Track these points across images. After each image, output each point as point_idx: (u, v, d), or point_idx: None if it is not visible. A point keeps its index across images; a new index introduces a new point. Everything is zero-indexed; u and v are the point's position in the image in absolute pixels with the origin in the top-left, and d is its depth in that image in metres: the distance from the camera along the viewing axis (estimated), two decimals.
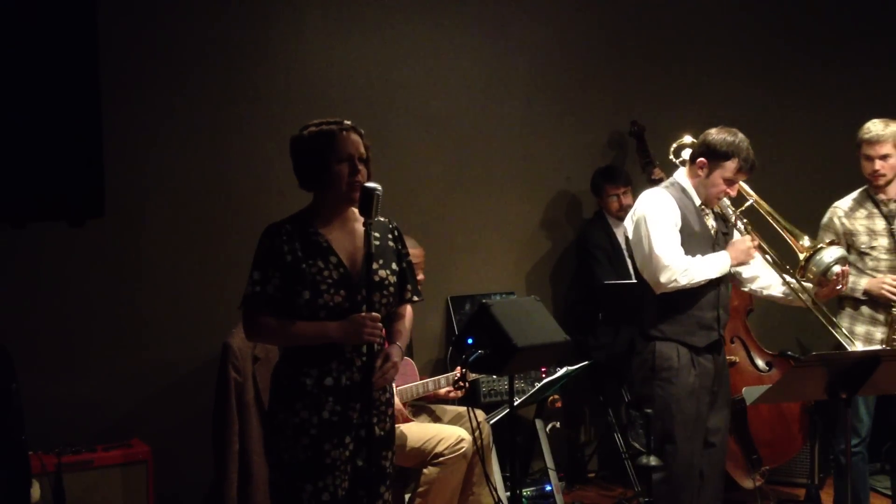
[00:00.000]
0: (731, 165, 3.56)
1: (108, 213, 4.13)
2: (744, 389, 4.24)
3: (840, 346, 4.12)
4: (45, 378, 4.09)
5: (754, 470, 4.67)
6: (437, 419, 4.41)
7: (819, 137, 6.04)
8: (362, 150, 2.89)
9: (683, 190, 3.69)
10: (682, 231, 3.63)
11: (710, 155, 3.60)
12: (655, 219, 3.60)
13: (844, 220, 4.11)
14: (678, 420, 3.62)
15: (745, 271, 3.84)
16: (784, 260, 3.73)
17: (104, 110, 2.51)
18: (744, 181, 3.70)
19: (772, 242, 3.76)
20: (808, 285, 3.63)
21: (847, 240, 4.12)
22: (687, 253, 3.61)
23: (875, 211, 4.11)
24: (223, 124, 4.62)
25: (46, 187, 2.44)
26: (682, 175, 3.74)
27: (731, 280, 3.83)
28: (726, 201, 3.67)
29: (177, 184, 4.52)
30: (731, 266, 3.66)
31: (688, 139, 3.97)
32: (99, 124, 2.48)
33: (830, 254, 3.52)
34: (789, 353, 4.83)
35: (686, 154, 3.87)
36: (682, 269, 3.54)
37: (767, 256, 3.69)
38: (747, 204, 3.72)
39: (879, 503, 4.61)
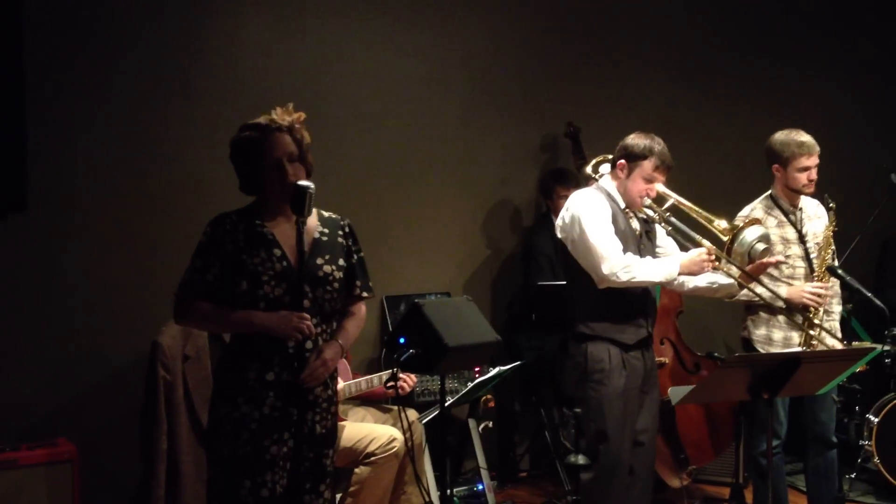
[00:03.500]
0: (648, 165, 3.72)
1: (32, 208, 4.08)
2: (669, 390, 4.30)
3: (747, 349, 4.22)
4: None
5: (681, 469, 4.76)
6: (374, 418, 4.42)
7: (751, 140, 6.17)
8: (293, 148, 2.88)
9: (609, 194, 3.80)
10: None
11: (629, 157, 3.76)
12: (590, 214, 3.68)
13: None
14: (610, 420, 3.68)
15: None
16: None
17: (29, 104, 2.47)
18: (662, 184, 3.77)
19: (696, 231, 3.82)
20: (735, 272, 3.68)
21: None
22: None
23: (784, 219, 4.21)
24: (155, 119, 4.55)
25: None
26: (606, 180, 3.88)
27: None
28: (648, 201, 3.75)
29: (106, 179, 4.44)
30: (679, 274, 3.71)
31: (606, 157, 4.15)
32: (23, 118, 2.44)
33: (752, 232, 3.60)
34: (716, 354, 4.93)
35: (604, 169, 4.04)
36: (623, 264, 3.61)
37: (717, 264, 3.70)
38: (668, 204, 3.80)
39: (797, 500, 4.74)
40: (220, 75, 4.72)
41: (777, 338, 4.17)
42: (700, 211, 3.70)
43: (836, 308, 4.26)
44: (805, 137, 4.14)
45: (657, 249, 3.89)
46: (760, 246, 3.57)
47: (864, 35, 6.53)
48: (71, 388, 4.35)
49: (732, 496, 4.95)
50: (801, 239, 4.16)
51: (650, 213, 3.76)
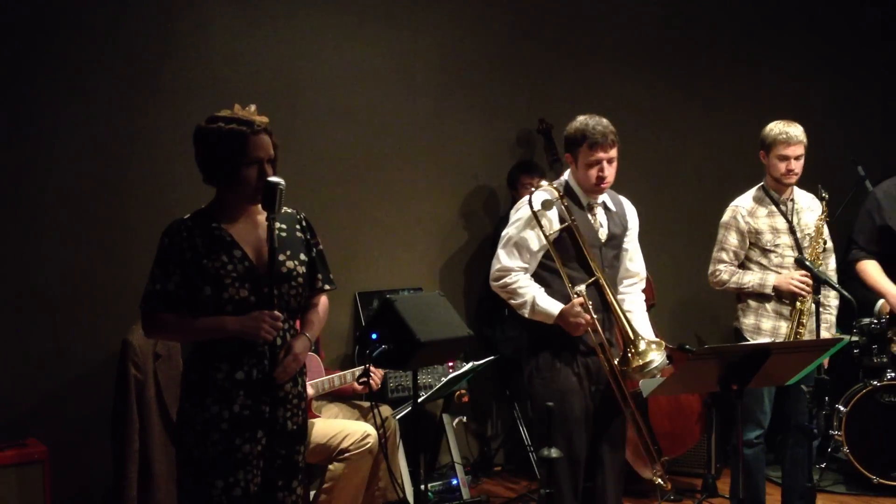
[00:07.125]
0: (585, 148, 3.54)
1: (2, 205, 4.03)
2: (640, 382, 4.33)
3: (738, 339, 4.27)
4: None
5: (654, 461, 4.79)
6: (347, 414, 4.42)
7: (723, 136, 6.23)
8: (271, 151, 2.87)
9: (570, 189, 3.65)
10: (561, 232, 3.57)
11: (568, 147, 3.62)
12: (518, 223, 3.60)
13: (749, 220, 4.25)
14: (559, 417, 3.55)
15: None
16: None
17: None
18: (612, 159, 3.58)
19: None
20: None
21: (751, 238, 4.27)
22: (565, 256, 3.56)
23: (774, 209, 4.27)
24: (126, 116, 4.52)
25: None
26: (568, 173, 3.73)
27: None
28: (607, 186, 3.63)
29: (75, 175, 4.41)
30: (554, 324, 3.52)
31: None
32: None
33: (659, 359, 3.46)
34: (687, 346, 4.97)
35: None
36: (512, 282, 3.56)
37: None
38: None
39: (770, 491, 4.79)
40: (190, 72, 4.69)
41: (766, 327, 4.23)
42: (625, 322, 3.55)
43: (833, 302, 4.31)
44: (789, 127, 4.20)
45: (624, 248, 3.76)
46: (651, 375, 3.54)
47: (831, 33, 6.60)
48: (41, 387, 4.32)
49: (704, 487, 5.01)
50: (791, 229, 4.23)
51: (592, 199, 3.61)
